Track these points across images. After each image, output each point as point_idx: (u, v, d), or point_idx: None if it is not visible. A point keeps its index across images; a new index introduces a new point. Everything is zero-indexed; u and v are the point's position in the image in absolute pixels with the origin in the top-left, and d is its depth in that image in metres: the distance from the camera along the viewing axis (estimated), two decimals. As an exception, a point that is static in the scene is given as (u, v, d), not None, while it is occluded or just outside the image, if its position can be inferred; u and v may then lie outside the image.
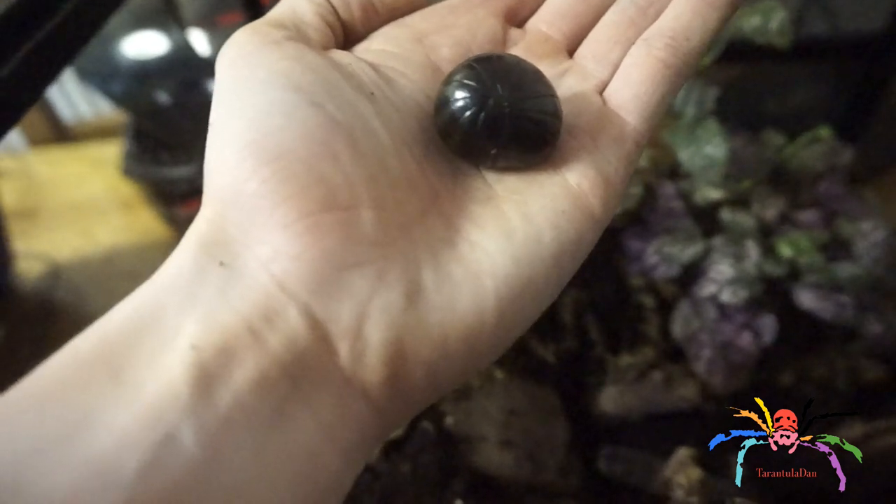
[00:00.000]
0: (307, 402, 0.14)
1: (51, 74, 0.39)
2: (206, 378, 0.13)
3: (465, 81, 0.18)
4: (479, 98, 0.17)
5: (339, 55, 0.19)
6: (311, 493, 0.14)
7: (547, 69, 0.21)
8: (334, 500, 0.15)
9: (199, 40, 0.75)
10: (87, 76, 0.84)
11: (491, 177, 0.19)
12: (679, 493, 0.35)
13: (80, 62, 0.78)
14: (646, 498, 0.40)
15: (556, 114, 0.18)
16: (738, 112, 0.53)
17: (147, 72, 0.78)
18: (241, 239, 0.15)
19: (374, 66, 0.19)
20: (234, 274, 0.15)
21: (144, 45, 0.78)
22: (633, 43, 0.21)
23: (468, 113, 0.17)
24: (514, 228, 0.17)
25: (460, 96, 0.18)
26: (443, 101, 0.18)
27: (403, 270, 0.16)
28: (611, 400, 0.47)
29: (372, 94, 0.18)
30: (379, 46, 0.20)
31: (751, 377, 0.45)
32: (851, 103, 0.63)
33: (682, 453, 0.36)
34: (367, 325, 0.15)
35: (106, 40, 0.76)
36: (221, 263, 0.15)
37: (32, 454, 0.12)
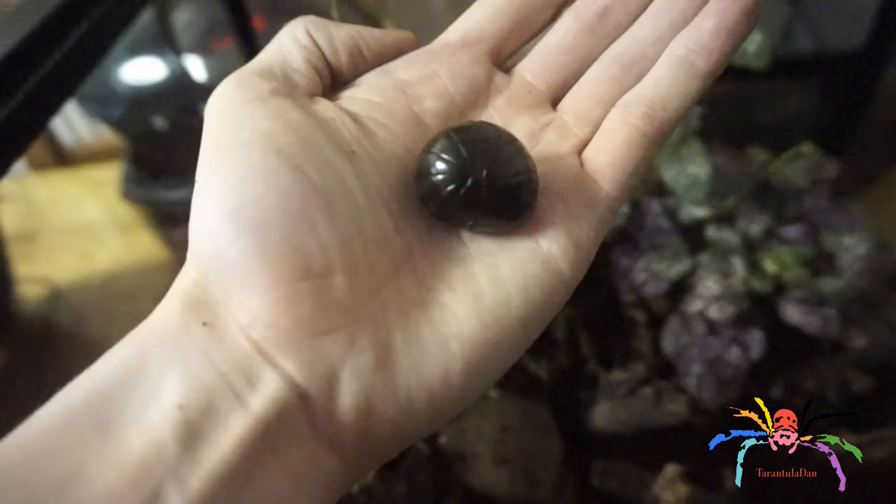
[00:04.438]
0: (278, 455, 0.15)
1: (54, 106, 0.40)
2: (192, 437, 0.14)
3: (444, 155, 0.18)
4: (458, 173, 0.18)
5: (323, 108, 0.20)
6: None
7: (528, 122, 0.21)
8: None
9: (194, 66, 0.76)
10: (85, 101, 0.85)
11: (466, 235, 0.19)
12: (668, 509, 0.36)
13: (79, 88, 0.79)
14: (638, 513, 0.40)
15: (531, 188, 0.19)
16: (722, 128, 0.54)
17: (144, 97, 0.79)
18: (223, 302, 0.16)
19: (356, 119, 0.20)
20: (217, 335, 0.16)
21: (141, 71, 0.79)
22: (615, 102, 0.21)
23: (448, 188, 0.18)
24: (483, 291, 0.18)
25: (439, 169, 0.18)
26: (422, 172, 0.19)
27: (374, 334, 0.17)
28: (603, 416, 0.47)
29: (353, 151, 0.19)
30: (363, 95, 0.21)
31: (741, 391, 0.46)
32: (835, 117, 0.64)
33: (671, 470, 0.37)
34: (339, 388, 0.16)
35: (104, 66, 0.77)
36: (204, 324, 0.16)
37: None
